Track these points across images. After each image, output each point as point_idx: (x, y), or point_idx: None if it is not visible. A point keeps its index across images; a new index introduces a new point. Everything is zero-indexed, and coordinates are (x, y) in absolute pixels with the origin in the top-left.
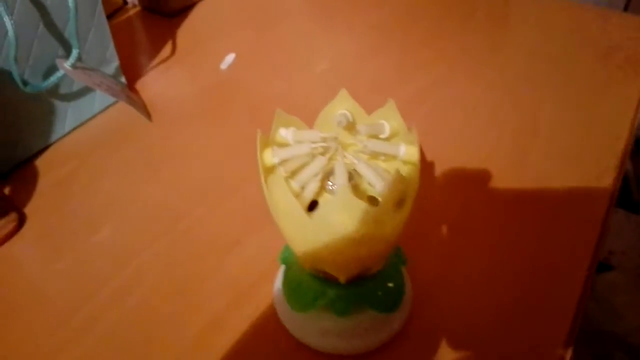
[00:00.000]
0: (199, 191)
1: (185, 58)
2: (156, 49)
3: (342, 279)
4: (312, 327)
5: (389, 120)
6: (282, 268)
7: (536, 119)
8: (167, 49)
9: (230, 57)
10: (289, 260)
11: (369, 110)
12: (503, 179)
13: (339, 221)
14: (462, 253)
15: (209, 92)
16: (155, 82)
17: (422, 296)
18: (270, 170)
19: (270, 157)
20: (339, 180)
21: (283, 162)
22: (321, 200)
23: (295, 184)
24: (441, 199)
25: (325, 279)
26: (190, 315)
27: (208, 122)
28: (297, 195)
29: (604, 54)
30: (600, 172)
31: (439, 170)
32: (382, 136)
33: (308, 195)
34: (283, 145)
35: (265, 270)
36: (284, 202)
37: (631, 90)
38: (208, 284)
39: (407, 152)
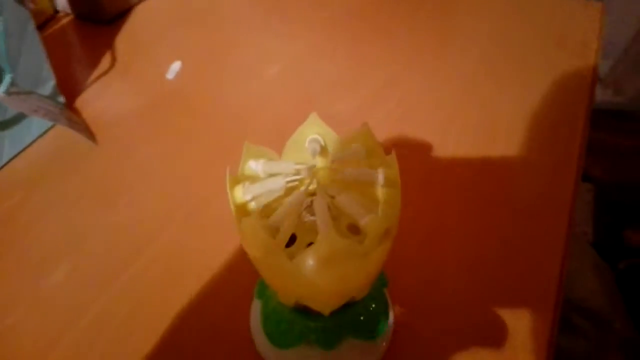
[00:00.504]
0: (161, 216)
1: (127, 69)
2: (94, 61)
3: (326, 312)
4: (294, 358)
5: (363, 142)
6: (258, 302)
7: (496, 109)
8: (106, 60)
9: (176, 65)
10: (266, 294)
11: (336, 123)
12: (471, 174)
13: (323, 264)
14: (437, 258)
15: (156, 106)
16: (97, 99)
17: (403, 313)
18: (242, 208)
19: (241, 194)
20: (321, 219)
21: (255, 198)
22: (299, 235)
23: (271, 222)
24: (412, 202)
25: (307, 311)
26: (164, 355)
27: (160, 139)
28: (274, 235)
29: (556, 41)
30: (563, 156)
31: (406, 172)
32: (358, 161)
33: (286, 233)
34: (254, 179)
35: (240, 297)
36: (260, 247)
37: (585, 74)
38: (180, 319)
39: (387, 177)
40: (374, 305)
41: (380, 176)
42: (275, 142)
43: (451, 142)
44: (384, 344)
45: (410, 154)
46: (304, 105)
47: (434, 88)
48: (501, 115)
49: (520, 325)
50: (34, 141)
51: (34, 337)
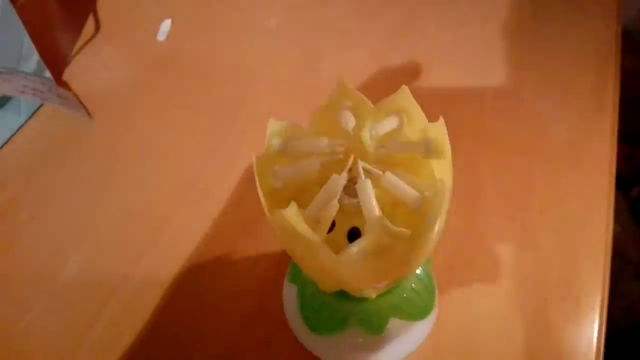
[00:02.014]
0: (173, 193)
1: (114, 33)
2: (76, 27)
3: (372, 296)
4: (336, 344)
5: (402, 108)
6: (292, 286)
7: (520, 51)
8: (89, 25)
9: (166, 24)
10: (301, 279)
11: (349, 75)
12: (500, 123)
13: (374, 257)
14: (473, 214)
15: (151, 71)
16: (86, 70)
17: (443, 286)
18: (273, 197)
19: (270, 181)
20: (367, 206)
21: (287, 184)
22: (338, 220)
23: (310, 213)
24: None
25: (349, 294)
26: (198, 350)
27: (159, 107)
28: (314, 227)
29: None
30: (597, 103)
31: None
32: (399, 131)
33: (326, 223)
34: (282, 161)
35: (270, 280)
36: (301, 242)
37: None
38: (208, 304)
39: (435, 147)
40: (422, 285)
41: (429, 147)
42: (287, 102)
43: (477, 87)
44: (431, 322)
45: (433, 103)
46: (311, 57)
47: (448, 28)
48: (526, 59)
49: (572, 278)
50: (23, 124)
51: (57, 335)
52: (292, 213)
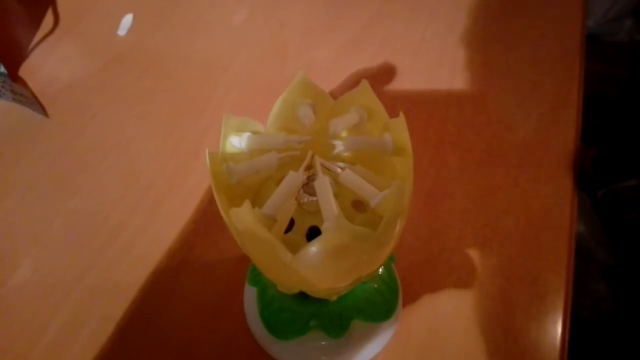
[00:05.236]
0: (132, 195)
1: (73, 28)
2: (34, 21)
3: (333, 299)
4: (298, 347)
5: (363, 103)
6: (253, 289)
7: (486, 51)
8: (48, 19)
9: (127, 19)
10: (261, 281)
11: (315, 72)
12: (466, 123)
13: (332, 256)
14: (439, 214)
15: (110, 67)
16: (43, 66)
17: (410, 282)
18: (229, 195)
19: (225, 177)
20: (325, 203)
21: (244, 181)
22: (298, 219)
23: (266, 211)
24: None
25: (310, 297)
26: (157, 352)
27: (118, 106)
28: (271, 225)
29: None
30: (561, 104)
31: None
32: (359, 127)
33: (284, 222)
34: (239, 158)
35: (230, 282)
36: (257, 242)
37: (575, 4)
38: (166, 311)
39: (396, 143)
40: (385, 286)
41: (388, 144)
42: (252, 100)
43: (443, 85)
44: (396, 322)
45: (399, 100)
46: (277, 54)
47: (418, 26)
48: (491, 57)
49: (536, 278)
50: None
51: (8, 342)
52: (245, 211)
